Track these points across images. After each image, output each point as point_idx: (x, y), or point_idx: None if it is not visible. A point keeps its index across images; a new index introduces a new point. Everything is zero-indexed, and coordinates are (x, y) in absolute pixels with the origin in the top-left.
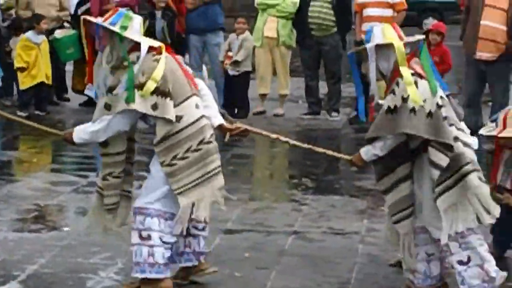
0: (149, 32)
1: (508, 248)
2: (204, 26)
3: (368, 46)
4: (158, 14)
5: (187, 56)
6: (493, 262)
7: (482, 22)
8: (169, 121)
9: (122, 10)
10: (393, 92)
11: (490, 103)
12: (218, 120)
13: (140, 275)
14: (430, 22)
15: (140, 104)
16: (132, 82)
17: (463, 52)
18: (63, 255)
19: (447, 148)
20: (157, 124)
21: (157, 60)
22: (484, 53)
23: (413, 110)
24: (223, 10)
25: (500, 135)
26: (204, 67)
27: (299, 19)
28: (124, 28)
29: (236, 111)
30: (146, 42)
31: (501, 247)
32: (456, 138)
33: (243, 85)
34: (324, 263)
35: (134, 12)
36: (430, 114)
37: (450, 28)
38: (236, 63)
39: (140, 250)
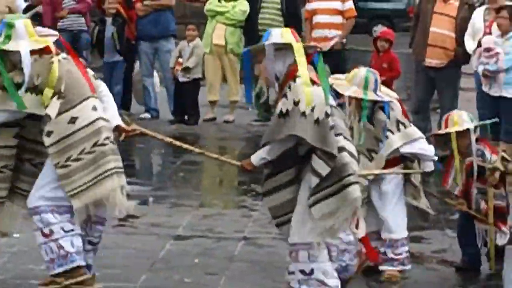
0: (99, 38)
1: (479, 259)
2: (155, 33)
3: (266, 43)
4: (108, 20)
5: (137, 63)
6: (336, 280)
7: (431, 29)
8: (50, 118)
9: (4, 19)
10: (285, 96)
11: (438, 110)
12: (116, 121)
13: (59, 270)
14: (379, 29)
15: (27, 103)
16: (12, 88)
17: (413, 58)
18: (13, 262)
19: (330, 157)
20: (46, 123)
21: (52, 63)
22: (433, 60)
23: (303, 114)
24: (174, 17)
25: (437, 132)
26: (155, 74)
27: (249, 26)
28: (8, 37)
29: (186, 117)
30: (27, 48)
31: (470, 259)
32: (342, 148)
33: (193, 91)
34: (274, 268)
35: (86, 19)
36: (317, 121)
37: (400, 36)
38: (186, 70)
39: (50, 247)
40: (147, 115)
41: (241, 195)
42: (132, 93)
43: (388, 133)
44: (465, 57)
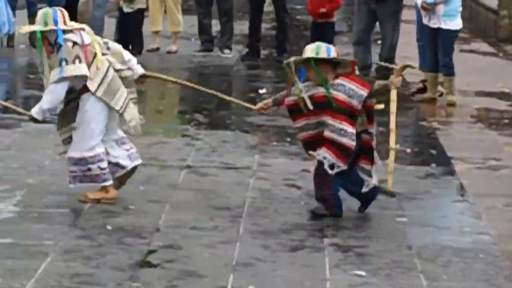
0: None
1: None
2: None
3: None
4: None
5: None
6: None
7: None
8: None
9: None
10: None
11: (379, 42)
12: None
13: None
14: None
15: None
16: None
17: None
18: None
19: None
20: None
21: None
22: None
23: None
24: None
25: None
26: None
27: None
28: None
29: (130, 47)
30: None
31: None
32: None
33: (138, 22)
34: (216, 197)
35: None
36: None
37: None
38: (130, 0)
39: None
40: None
41: (184, 124)
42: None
43: (63, 63)
44: None
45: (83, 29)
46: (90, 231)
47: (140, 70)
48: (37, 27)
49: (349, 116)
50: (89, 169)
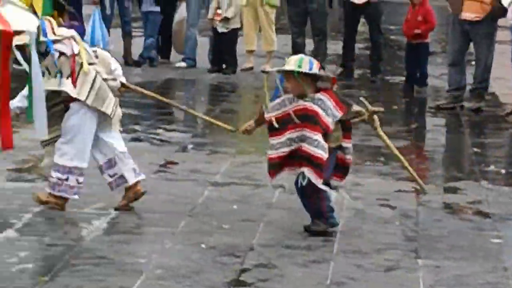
0: None
1: None
2: None
3: None
4: None
5: (177, 13)
6: None
7: None
8: None
9: None
10: None
11: (473, 63)
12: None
13: None
14: None
15: None
16: None
17: (449, 11)
18: None
19: None
20: None
21: None
22: (469, 14)
23: None
24: None
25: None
26: None
27: None
28: None
29: (224, 67)
30: None
31: None
32: None
33: (232, 41)
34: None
35: None
36: None
37: None
38: (225, 20)
39: None
40: (183, 64)
41: None
42: (172, 42)
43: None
44: (502, 11)
45: (73, 38)
46: (184, 249)
47: (121, 79)
48: (27, 39)
49: (323, 132)
50: (67, 179)
